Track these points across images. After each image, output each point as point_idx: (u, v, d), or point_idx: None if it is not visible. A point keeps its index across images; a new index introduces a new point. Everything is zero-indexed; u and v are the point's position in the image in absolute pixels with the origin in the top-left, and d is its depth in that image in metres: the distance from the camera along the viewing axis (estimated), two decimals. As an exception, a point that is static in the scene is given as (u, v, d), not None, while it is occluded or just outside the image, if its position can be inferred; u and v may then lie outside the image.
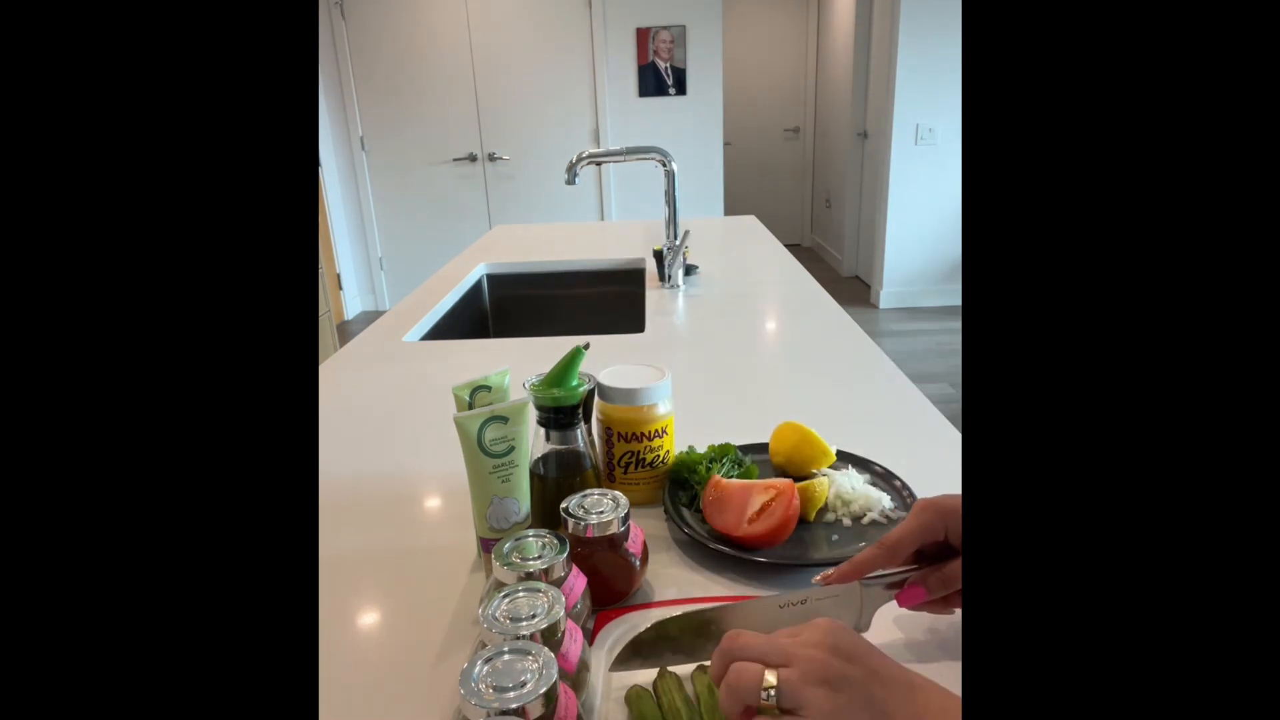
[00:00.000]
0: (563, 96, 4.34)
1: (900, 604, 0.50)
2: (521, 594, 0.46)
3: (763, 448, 0.79)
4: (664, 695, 0.47)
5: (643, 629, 0.50)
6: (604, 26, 4.19)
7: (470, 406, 0.62)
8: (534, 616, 0.44)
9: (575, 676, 0.45)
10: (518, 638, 0.42)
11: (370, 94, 4.34)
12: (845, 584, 0.50)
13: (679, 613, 0.50)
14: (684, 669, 0.49)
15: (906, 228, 4.37)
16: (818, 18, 5.77)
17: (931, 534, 0.50)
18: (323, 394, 1.06)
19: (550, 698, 0.39)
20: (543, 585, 0.47)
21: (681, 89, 4.28)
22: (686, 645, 0.49)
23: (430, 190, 4.52)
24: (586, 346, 0.65)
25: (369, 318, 4.58)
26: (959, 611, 0.52)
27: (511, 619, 0.44)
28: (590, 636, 0.53)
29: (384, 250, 4.65)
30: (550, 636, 0.44)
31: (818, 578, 0.51)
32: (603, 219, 4.53)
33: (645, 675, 0.49)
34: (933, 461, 0.78)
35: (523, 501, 0.60)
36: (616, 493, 0.59)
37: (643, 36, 4.19)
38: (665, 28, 4.17)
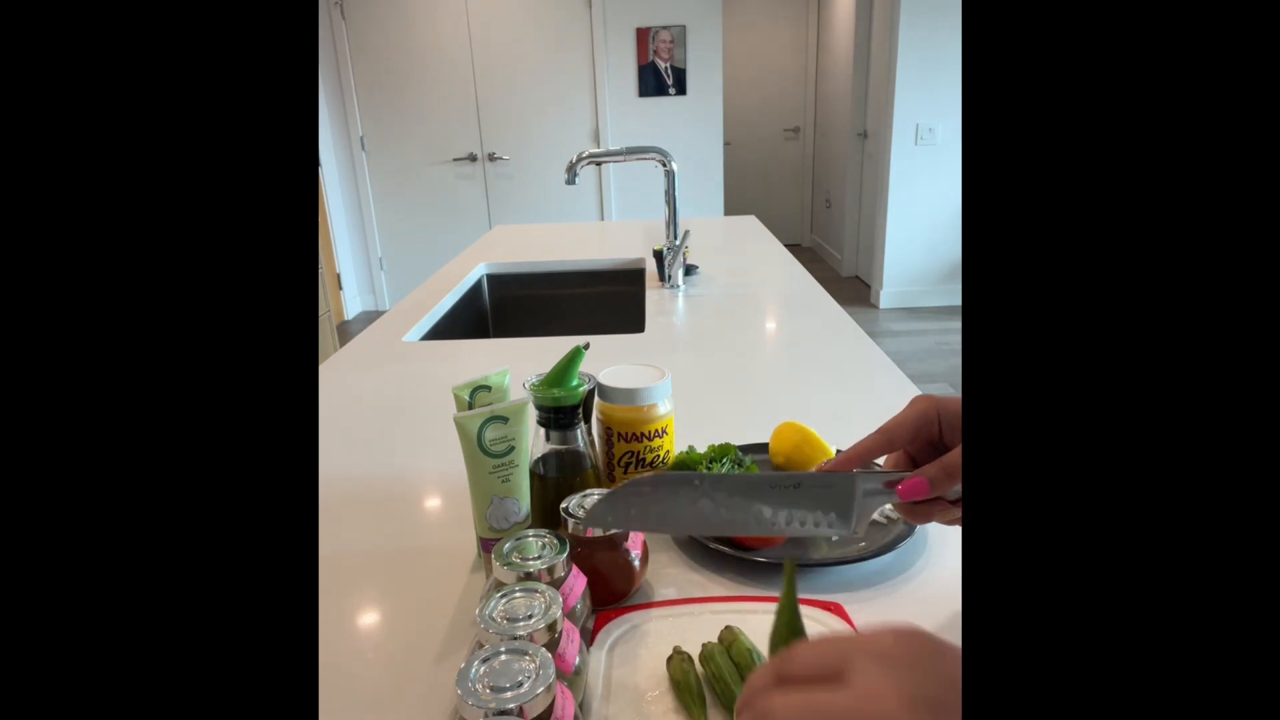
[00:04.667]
0: (563, 96, 4.33)
1: (901, 497, 0.48)
2: (519, 594, 0.46)
3: (763, 448, 0.79)
4: (708, 663, 0.49)
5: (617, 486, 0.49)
6: (604, 26, 4.18)
7: (470, 406, 0.62)
8: (531, 617, 0.44)
9: (572, 677, 0.45)
10: (514, 638, 0.42)
11: (370, 94, 4.34)
12: (842, 473, 0.49)
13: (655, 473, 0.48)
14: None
15: (906, 228, 4.36)
16: (818, 18, 5.77)
17: (926, 422, 0.49)
18: (323, 394, 1.06)
19: (547, 698, 0.39)
20: (540, 585, 0.47)
21: (681, 89, 4.28)
22: (660, 509, 0.48)
23: (430, 190, 4.52)
24: (586, 346, 0.65)
25: (369, 318, 4.58)
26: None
27: (509, 619, 0.44)
28: (590, 637, 0.53)
29: (384, 250, 4.65)
30: (547, 637, 0.44)
31: (815, 467, 0.49)
32: (603, 219, 4.53)
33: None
34: (932, 462, 0.78)
35: (523, 501, 0.60)
36: (616, 493, 0.59)
37: (643, 36, 4.19)
38: (665, 28, 4.17)
